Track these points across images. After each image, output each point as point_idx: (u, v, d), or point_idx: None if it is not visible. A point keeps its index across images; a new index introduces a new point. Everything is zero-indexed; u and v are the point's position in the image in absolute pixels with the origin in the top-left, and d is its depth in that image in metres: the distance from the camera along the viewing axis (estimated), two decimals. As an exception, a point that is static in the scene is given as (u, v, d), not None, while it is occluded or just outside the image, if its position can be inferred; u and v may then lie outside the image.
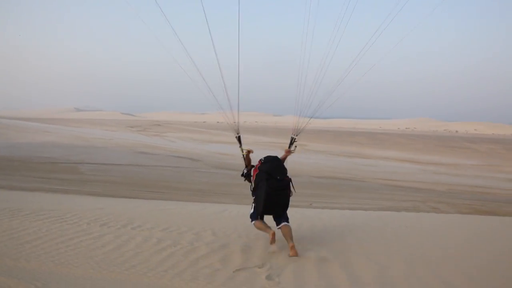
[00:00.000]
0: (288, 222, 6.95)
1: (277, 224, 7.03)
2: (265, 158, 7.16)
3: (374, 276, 6.48)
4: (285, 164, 7.53)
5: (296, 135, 8.34)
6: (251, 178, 7.31)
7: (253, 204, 7.20)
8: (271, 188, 6.56)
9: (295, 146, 8.38)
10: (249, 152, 7.98)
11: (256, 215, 7.04)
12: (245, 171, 7.74)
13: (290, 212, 7.72)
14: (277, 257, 6.68)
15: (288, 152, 8.09)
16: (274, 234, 6.76)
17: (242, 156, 8.01)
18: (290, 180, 7.06)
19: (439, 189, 28.72)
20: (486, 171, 43.87)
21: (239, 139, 8.52)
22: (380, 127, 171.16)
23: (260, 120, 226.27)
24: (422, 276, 6.62)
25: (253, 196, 7.26)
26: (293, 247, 6.60)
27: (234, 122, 8.86)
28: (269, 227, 6.95)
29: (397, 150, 65.86)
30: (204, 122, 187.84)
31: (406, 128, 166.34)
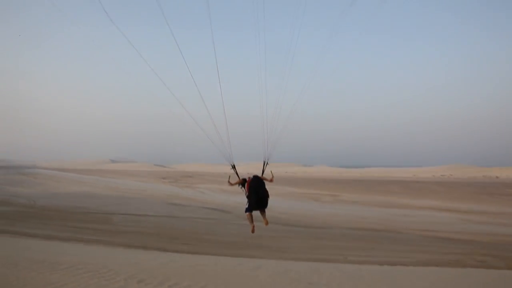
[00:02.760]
0: (265, 208, 10.30)
1: (261, 211, 10.31)
2: (254, 176, 10.37)
3: None
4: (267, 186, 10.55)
5: (267, 160, 11.00)
6: (245, 188, 10.45)
7: (248, 203, 10.33)
8: (258, 197, 10.12)
9: (271, 174, 10.70)
10: (233, 184, 10.72)
11: (250, 210, 10.31)
12: (241, 187, 10.69)
13: (326, 267, 7.42)
14: None
15: (271, 180, 10.73)
16: (254, 227, 10.31)
17: (230, 183, 10.69)
18: (267, 192, 10.32)
19: (483, 240, 26.99)
20: (533, 221, 41.12)
21: (234, 168, 10.98)
22: (414, 175, 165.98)
23: (290, 171, 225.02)
24: None
25: (247, 198, 10.36)
26: (264, 219, 10.37)
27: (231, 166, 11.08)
28: (252, 221, 10.31)
29: (433, 199, 63.21)
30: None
31: (441, 175, 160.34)
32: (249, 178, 10.48)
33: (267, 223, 10.33)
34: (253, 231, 10.22)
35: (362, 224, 34.51)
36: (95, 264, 10.84)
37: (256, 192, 9.97)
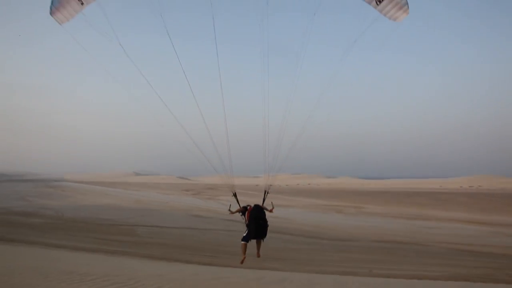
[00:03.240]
0: (263, 239, 10.37)
1: (257, 241, 10.42)
2: (254, 205, 10.43)
3: None
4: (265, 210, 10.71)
5: (268, 190, 11.23)
6: (246, 217, 10.50)
7: (246, 231, 10.34)
8: (257, 226, 10.11)
9: (272, 204, 10.75)
10: (233, 212, 10.84)
11: (247, 239, 10.24)
12: (242, 215, 10.76)
13: (352, 281, 7.33)
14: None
15: (271, 211, 10.74)
16: (244, 259, 10.33)
17: (230, 211, 10.85)
18: (266, 222, 10.38)
19: (516, 255, 26.01)
20: None
21: (235, 196, 11.15)
22: (441, 186, 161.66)
23: (313, 182, 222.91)
24: None
25: (246, 227, 10.38)
26: (258, 250, 10.50)
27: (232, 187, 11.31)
28: (245, 253, 10.27)
29: (461, 211, 61.37)
30: (256, 185, 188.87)
31: (469, 187, 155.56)
32: (250, 206, 10.57)
33: (259, 255, 10.43)
34: (242, 262, 10.29)
35: (387, 236, 33.81)
36: (121, 275, 11.02)
37: (256, 221, 9.99)
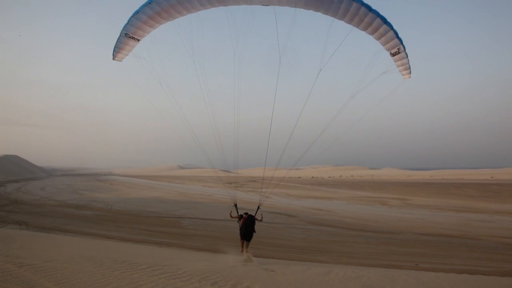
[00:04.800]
0: (249, 241, 13.45)
1: (245, 241, 13.40)
2: (248, 215, 13.38)
3: None
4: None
5: (260, 206, 14.07)
6: (240, 223, 13.58)
7: (240, 232, 13.51)
8: (247, 230, 13.23)
9: (261, 214, 13.60)
10: (233, 217, 13.84)
11: (241, 238, 13.52)
12: (238, 220, 13.85)
13: (398, 274, 7.20)
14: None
15: (261, 220, 13.71)
16: (242, 251, 13.58)
17: (232, 216, 13.78)
18: (253, 230, 13.43)
19: None
20: None
21: (235, 206, 14.04)
22: (492, 177, 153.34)
23: (356, 174, 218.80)
24: None
25: (240, 230, 13.50)
26: (244, 248, 13.43)
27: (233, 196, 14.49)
28: (242, 246, 13.59)
29: (516, 203, 58.08)
30: (299, 177, 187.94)
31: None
32: (245, 215, 13.57)
33: (246, 251, 13.41)
34: (241, 252, 13.62)
35: (435, 229, 32.70)
36: (170, 265, 11.47)
37: (246, 228, 13.00)
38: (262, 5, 9.68)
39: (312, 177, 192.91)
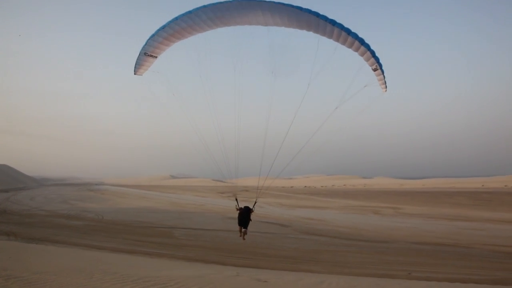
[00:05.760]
0: (247, 228, 14.49)
1: (244, 227, 14.46)
2: (244, 207, 14.68)
3: None
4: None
5: (256, 200, 14.86)
6: (239, 212, 14.67)
7: (238, 220, 14.69)
8: (244, 218, 14.40)
9: (254, 207, 14.66)
10: (239, 209, 14.82)
11: (239, 224, 14.54)
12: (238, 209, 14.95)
13: (391, 283, 7.17)
14: None
15: (252, 212, 14.79)
16: (240, 235, 14.60)
17: (236, 208, 14.89)
18: (249, 218, 14.63)
19: None
20: None
21: (236, 200, 15.26)
22: (483, 186, 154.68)
23: (348, 183, 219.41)
24: None
25: (238, 219, 14.68)
26: (243, 236, 14.50)
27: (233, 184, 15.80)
28: (240, 231, 14.54)
29: (507, 211, 58.37)
30: (291, 187, 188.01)
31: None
32: (242, 208, 15.21)
33: (243, 238, 14.80)
34: (240, 236, 14.84)
35: (427, 238, 32.78)
36: (162, 277, 11.33)
37: (242, 216, 14.58)
38: (261, 25, 11.32)
39: (305, 186, 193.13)
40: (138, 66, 12.34)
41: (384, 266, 20.89)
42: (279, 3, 10.81)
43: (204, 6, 11.11)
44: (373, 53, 11.32)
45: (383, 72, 11.62)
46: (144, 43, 11.97)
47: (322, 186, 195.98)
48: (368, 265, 21.40)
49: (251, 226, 14.95)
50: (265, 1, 10.81)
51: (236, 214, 14.52)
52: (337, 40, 11.32)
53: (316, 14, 10.77)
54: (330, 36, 11.27)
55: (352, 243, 30.11)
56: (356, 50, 11.39)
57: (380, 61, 11.55)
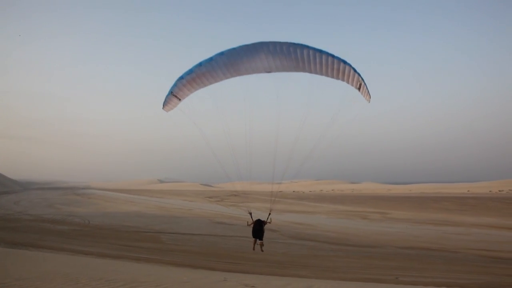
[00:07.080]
0: (262, 239, 14.35)
1: (259, 239, 14.34)
2: (257, 220, 14.57)
3: None
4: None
5: (271, 211, 14.92)
6: (252, 225, 14.56)
7: (252, 233, 14.57)
8: (255, 230, 14.32)
9: (270, 218, 14.53)
10: (249, 224, 14.76)
11: (253, 237, 14.42)
12: (250, 224, 14.86)
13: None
14: None
15: (266, 223, 14.76)
16: (254, 248, 14.53)
17: (247, 224, 14.83)
18: (262, 231, 14.52)
19: (550, 262, 24.95)
20: None
21: (250, 214, 14.93)
22: (469, 191, 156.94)
23: (336, 188, 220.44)
24: None
25: (252, 232, 14.55)
26: (262, 247, 14.26)
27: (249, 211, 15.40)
28: (254, 244, 14.49)
29: (491, 216, 59.33)
30: (280, 191, 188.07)
31: (499, 191, 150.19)
32: (255, 221, 15.22)
33: (254, 249, 14.87)
34: (253, 248, 14.89)
35: (414, 243, 33.08)
36: (148, 282, 11.19)
37: (255, 228, 14.65)
38: (266, 72, 12.64)
39: (293, 191, 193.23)
40: (166, 103, 13.53)
41: (371, 271, 20.98)
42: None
43: (221, 53, 12.32)
44: (355, 70, 12.14)
45: (365, 84, 12.39)
46: (173, 83, 13.20)
47: (310, 191, 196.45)
48: (356, 269, 21.48)
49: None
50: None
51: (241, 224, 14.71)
52: (326, 71, 12.25)
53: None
54: (320, 70, 12.28)
55: (340, 248, 30.20)
56: (343, 74, 12.30)
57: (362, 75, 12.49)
